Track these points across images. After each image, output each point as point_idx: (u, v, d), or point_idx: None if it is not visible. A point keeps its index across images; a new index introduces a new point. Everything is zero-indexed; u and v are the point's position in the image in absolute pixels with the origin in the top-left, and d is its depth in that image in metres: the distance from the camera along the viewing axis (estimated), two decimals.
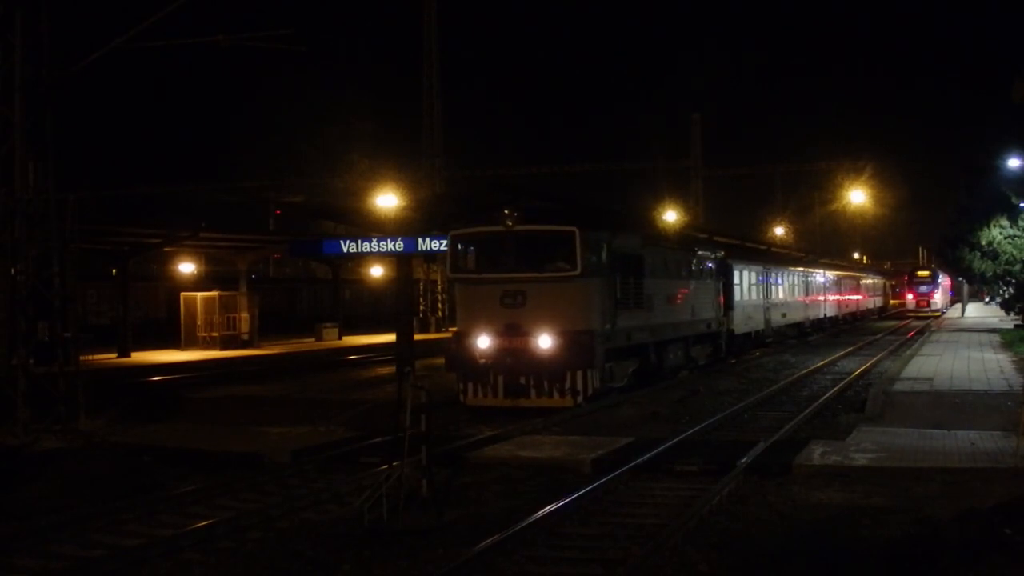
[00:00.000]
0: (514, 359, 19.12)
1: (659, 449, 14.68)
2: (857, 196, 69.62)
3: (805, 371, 28.51)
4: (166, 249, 40.90)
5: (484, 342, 19.32)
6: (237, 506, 12.30)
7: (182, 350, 38.76)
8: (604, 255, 20.30)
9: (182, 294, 41.37)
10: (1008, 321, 51.08)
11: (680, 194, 67.25)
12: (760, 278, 37.12)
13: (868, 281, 73.89)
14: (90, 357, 23.75)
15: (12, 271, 17.91)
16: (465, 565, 9.24)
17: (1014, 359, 28.80)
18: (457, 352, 19.84)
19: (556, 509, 11.18)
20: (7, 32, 17.91)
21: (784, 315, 41.45)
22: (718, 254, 30.82)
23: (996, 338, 38.95)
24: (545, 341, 19.00)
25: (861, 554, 9.69)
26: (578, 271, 19.26)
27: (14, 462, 15.33)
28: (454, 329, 21.03)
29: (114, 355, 35.06)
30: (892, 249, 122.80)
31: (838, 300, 56.85)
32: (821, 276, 52.37)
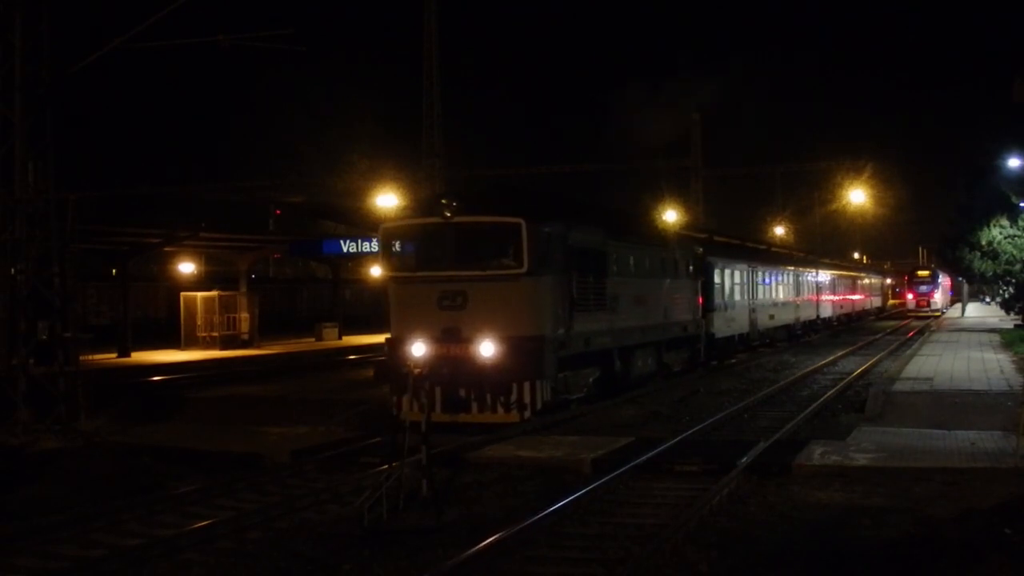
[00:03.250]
0: (453, 369, 16.99)
1: (659, 449, 14.68)
2: (857, 196, 69.62)
3: (805, 371, 28.52)
4: (166, 249, 40.87)
5: (419, 349, 17.03)
6: (237, 506, 12.30)
7: (182, 350, 38.74)
8: (557, 250, 18.09)
9: (182, 294, 41.35)
10: (1008, 321, 51.13)
11: (680, 194, 67.21)
12: (745, 277, 34.87)
13: (865, 281, 73.46)
14: (90, 357, 23.72)
15: (12, 271, 17.93)
16: (465, 565, 9.24)
17: (1014, 359, 28.83)
18: (390, 361, 17.89)
19: (556, 509, 11.18)
20: (7, 32, 17.92)
21: (772, 316, 39.12)
22: (697, 251, 28.75)
23: (996, 338, 38.97)
24: (487, 348, 16.90)
25: (861, 554, 9.69)
26: (524, 268, 17.14)
27: (14, 462, 15.33)
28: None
29: (114, 355, 35.04)
30: (892, 249, 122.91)
31: (833, 300, 55.20)
32: (814, 275, 50.08)
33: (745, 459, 13.66)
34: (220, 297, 40.46)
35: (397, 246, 18.59)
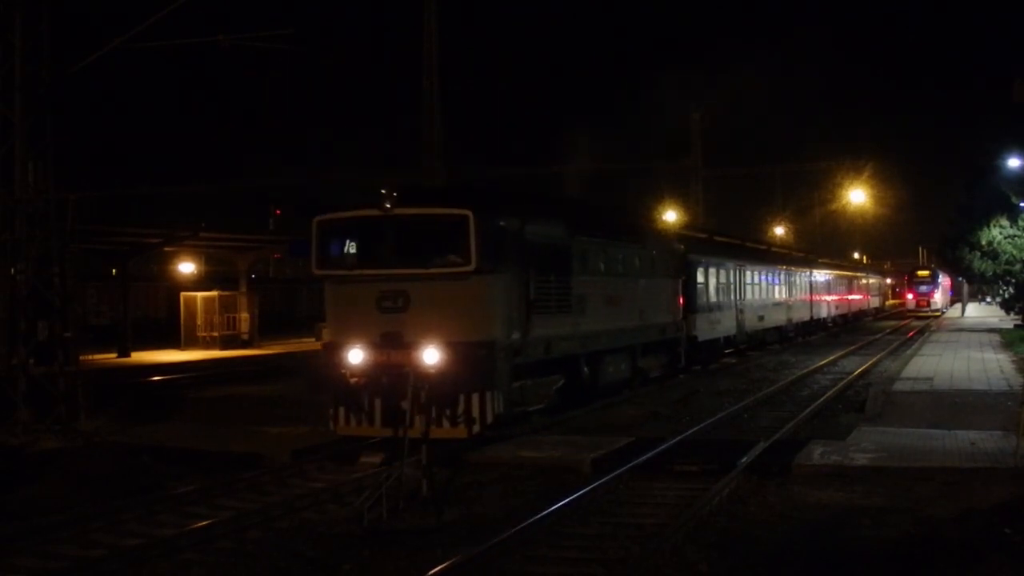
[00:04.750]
0: (393, 378, 15.09)
1: (659, 449, 14.68)
2: (857, 196, 69.63)
3: (805, 371, 28.53)
4: (166, 249, 40.91)
5: (357, 356, 15.54)
6: (237, 506, 12.30)
7: (182, 350, 38.77)
8: (512, 246, 16.36)
9: (182, 294, 41.40)
10: (1008, 321, 51.15)
11: (680, 194, 67.19)
12: (732, 276, 33.18)
13: (863, 280, 73.19)
14: (90, 357, 23.73)
15: (12, 271, 17.94)
16: (465, 565, 9.24)
17: (1014, 359, 28.85)
18: (325, 369, 16.24)
19: (556, 509, 11.18)
20: (7, 32, 17.93)
21: (761, 318, 37.30)
22: (677, 248, 26.97)
23: (996, 338, 39.00)
24: (431, 355, 15.12)
25: (861, 554, 9.69)
26: (472, 266, 15.41)
27: (14, 462, 15.33)
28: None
29: (114, 355, 35.07)
30: (892, 249, 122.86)
31: (828, 301, 53.90)
32: (807, 275, 48.08)
33: (745, 459, 13.66)
34: (220, 297, 40.49)
35: (333, 242, 16.85)
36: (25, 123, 17.94)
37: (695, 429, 16.97)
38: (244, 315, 41.08)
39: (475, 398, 15.28)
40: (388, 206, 15.79)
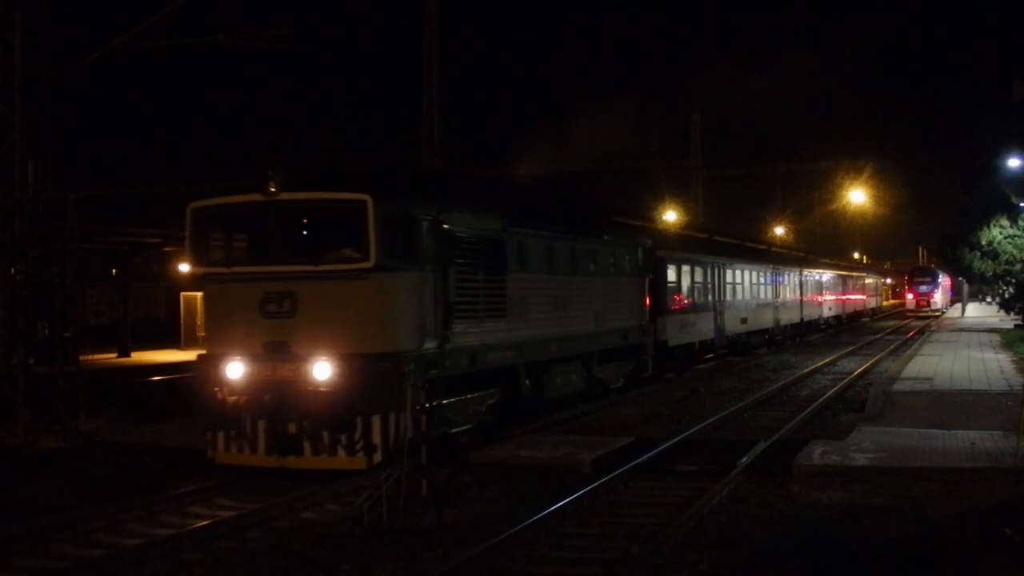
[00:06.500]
0: (279, 397, 13.09)
1: (659, 449, 14.69)
2: (857, 196, 69.68)
3: (805, 371, 28.55)
4: (166, 249, 40.84)
5: (236, 371, 13.37)
6: (237, 506, 12.31)
7: (182, 350, 38.72)
8: (425, 238, 14.05)
9: (182, 294, 41.37)
10: (1008, 321, 51.16)
11: (681, 195, 67.19)
12: (708, 275, 30.73)
13: (860, 280, 72.91)
14: (90, 357, 23.69)
15: (12, 271, 17.94)
16: (465, 565, 9.25)
17: (1014, 359, 28.88)
18: (201, 384, 13.91)
19: (556, 509, 11.19)
20: (7, 32, 17.94)
21: (744, 320, 34.84)
22: (644, 244, 24.04)
23: (996, 338, 39.04)
24: (323, 370, 12.92)
25: (861, 554, 9.70)
26: (371, 261, 13.02)
27: (14, 462, 15.34)
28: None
29: (114, 355, 35.08)
30: (892, 249, 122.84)
31: (821, 301, 52.26)
32: (797, 274, 45.29)
33: (745, 459, 13.68)
34: None
35: (211, 233, 14.51)
36: (25, 123, 17.94)
37: (695, 429, 16.99)
38: None
39: (376, 421, 12.86)
40: (273, 190, 13.39)
